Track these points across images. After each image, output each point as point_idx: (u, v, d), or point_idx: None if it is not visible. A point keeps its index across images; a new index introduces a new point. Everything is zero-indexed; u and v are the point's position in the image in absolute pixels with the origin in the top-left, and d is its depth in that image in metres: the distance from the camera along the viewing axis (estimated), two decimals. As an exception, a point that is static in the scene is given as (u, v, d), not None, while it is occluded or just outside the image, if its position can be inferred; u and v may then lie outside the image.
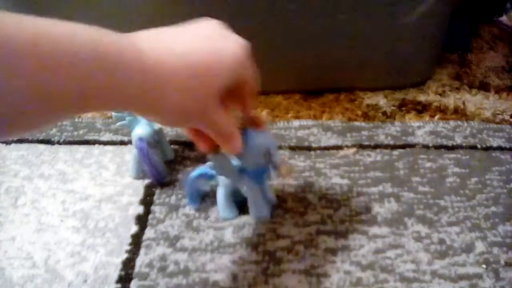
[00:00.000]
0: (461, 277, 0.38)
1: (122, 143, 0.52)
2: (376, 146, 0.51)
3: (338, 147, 0.51)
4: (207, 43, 0.29)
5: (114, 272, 0.38)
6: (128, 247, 0.41)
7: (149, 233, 0.42)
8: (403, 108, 0.58)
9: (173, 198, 0.45)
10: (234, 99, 0.34)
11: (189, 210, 0.44)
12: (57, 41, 0.23)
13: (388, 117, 0.56)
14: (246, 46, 0.32)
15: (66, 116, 0.27)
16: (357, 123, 0.54)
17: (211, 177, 0.42)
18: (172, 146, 0.50)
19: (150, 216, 0.43)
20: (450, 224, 0.42)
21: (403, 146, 0.51)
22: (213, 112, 0.31)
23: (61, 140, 0.52)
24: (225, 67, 0.29)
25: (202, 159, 0.49)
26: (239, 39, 0.32)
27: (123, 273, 0.38)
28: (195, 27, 0.31)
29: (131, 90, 0.25)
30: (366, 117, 0.56)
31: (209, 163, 0.41)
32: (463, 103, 0.58)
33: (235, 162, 0.39)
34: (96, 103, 0.25)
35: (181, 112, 0.29)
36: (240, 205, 0.43)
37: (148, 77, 0.26)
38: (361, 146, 0.51)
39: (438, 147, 0.51)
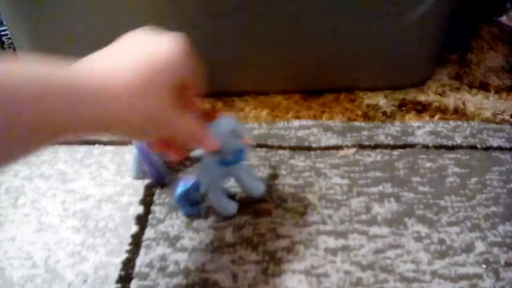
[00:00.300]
0: (461, 277, 0.38)
1: (122, 143, 0.52)
2: (376, 146, 0.51)
3: (338, 147, 0.51)
4: (139, 54, 0.30)
5: (114, 272, 0.38)
6: (128, 247, 0.41)
7: (149, 233, 0.42)
8: (403, 108, 0.58)
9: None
10: (182, 99, 0.33)
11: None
12: (19, 83, 0.24)
13: (388, 117, 0.56)
14: (181, 43, 0.31)
15: (39, 147, 0.28)
16: (357, 123, 0.54)
17: (196, 188, 0.41)
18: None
19: (150, 216, 0.43)
20: (450, 224, 0.42)
21: (403, 146, 0.51)
22: (174, 117, 0.31)
23: (61, 140, 0.52)
24: (162, 71, 0.30)
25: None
26: (172, 38, 0.31)
27: (123, 273, 0.38)
28: (126, 42, 0.32)
29: (91, 114, 0.27)
30: (366, 117, 0.56)
31: (188, 176, 0.41)
32: (463, 103, 0.58)
33: (211, 162, 0.39)
34: (61, 133, 0.27)
35: (143, 124, 0.30)
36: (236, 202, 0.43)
37: (101, 98, 0.27)
38: (361, 146, 0.51)
39: (438, 147, 0.51)
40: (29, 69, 0.25)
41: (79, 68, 0.29)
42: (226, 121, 0.38)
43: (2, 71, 0.24)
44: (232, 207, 0.43)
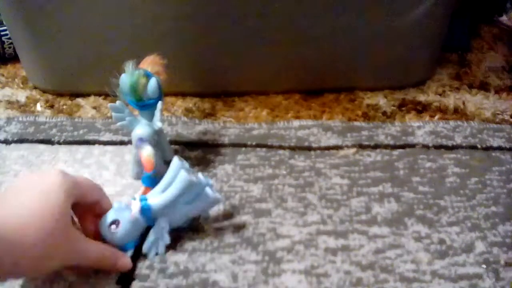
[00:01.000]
0: (461, 277, 0.38)
1: (122, 143, 0.52)
2: (376, 146, 0.51)
3: (338, 147, 0.51)
4: (30, 200, 0.32)
5: (115, 273, 0.38)
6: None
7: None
8: (403, 108, 0.58)
9: (173, 198, 0.45)
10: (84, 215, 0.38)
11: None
12: None
13: (388, 117, 0.56)
14: (58, 178, 0.34)
15: None
16: (357, 123, 0.54)
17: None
18: (172, 146, 0.50)
19: (150, 216, 0.43)
20: (450, 224, 0.42)
21: (403, 146, 0.51)
22: (79, 244, 0.34)
23: (61, 140, 0.52)
24: (54, 203, 0.32)
25: (201, 159, 0.50)
26: (49, 173, 0.35)
27: (123, 274, 0.38)
28: (14, 189, 0.34)
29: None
30: (366, 117, 0.56)
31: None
32: (463, 103, 0.58)
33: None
34: None
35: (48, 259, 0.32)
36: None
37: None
38: (361, 146, 0.51)
39: (438, 147, 0.51)
40: None
41: None
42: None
43: None
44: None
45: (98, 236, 0.38)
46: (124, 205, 0.38)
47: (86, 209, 0.38)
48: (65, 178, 0.34)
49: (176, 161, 0.40)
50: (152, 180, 0.41)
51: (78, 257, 0.34)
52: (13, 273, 0.31)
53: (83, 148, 0.51)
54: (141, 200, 0.38)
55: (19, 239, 0.30)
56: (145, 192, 0.40)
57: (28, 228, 0.30)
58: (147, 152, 0.42)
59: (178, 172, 0.38)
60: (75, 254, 0.34)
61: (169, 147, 0.49)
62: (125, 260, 0.38)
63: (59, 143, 0.52)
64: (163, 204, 0.38)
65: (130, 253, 0.39)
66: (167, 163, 0.48)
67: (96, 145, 0.52)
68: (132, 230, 0.38)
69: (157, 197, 0.39)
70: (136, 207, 0.38)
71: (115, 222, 0.37)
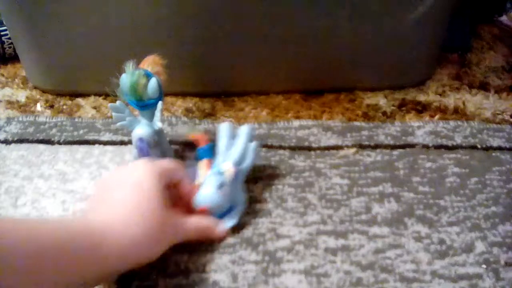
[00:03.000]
0: (461, 277, 0.38)
1: (122, 143, 0.52)
2: (376, 146, 0.51)
3: (338, 147, 0.51)
4: (127, 193, 0.34)
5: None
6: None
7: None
8: (403, 108, 0.58)
9: (173, 198, 0.45)
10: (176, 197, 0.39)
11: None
12: (41, 242, 0.28)
13: (388, 117, 0.56)
14: (146, 167, 0.36)
15: None
16: (357, 123, 0.54)
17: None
18: (172, 146, 0.50)
19: (150, 216, 0.43)
20: (450, 224, 0.42)
21: (403, 146, 0.51)
22: (179, 222, 0.36)
23: (61, 140, 0.52)
24: (149, 195, 0.34)
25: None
26: (141, 165, 0.36)
27: (123, 274, 0.38)
28: (109, 184, 0.37)
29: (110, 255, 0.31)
30: (366, 117, 0.56)
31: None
32: (463, 103, 0.58)
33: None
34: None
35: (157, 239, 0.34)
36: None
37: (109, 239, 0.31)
38: (361, 146, 0.51)
39: (438, 147, 0.51)
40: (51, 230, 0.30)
41: (91, 222, 0.33)
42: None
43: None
44: None
45: (189, 211, 0.40)
46: (217, 170, 0.41)
47: (171, 189, 0.39)
48: (152, 165, 0.36)
49: (245, 128, 0.44)
50: (211, 151, 0.44)
51: (181, 233, 0.36)
52: (119, 267, 0.33)
53: (83, 148, 0.51)
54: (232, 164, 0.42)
55: (126, 233, 0.31)
56: (207, 165, 0.43)
57: (132, 221, 0.32)
58: (192, 130, 0.47)
59: (249, 142, 0.43)
60: (178, 232, 0.36)
61: (169, 147, 0.49)
62: (222, 226, 0.40)
63: (59, 143, 0.52)
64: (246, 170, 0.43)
65: (232, 222, 0.41)
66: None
67: (96, 145, 0.52)
68: (234, 190, 0.41)
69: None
70: (231, 168, 0.41)
71: (222, 185, 0.39)
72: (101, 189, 0.36)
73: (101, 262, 0.31)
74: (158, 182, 0.35)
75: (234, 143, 0.44)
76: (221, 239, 0.40)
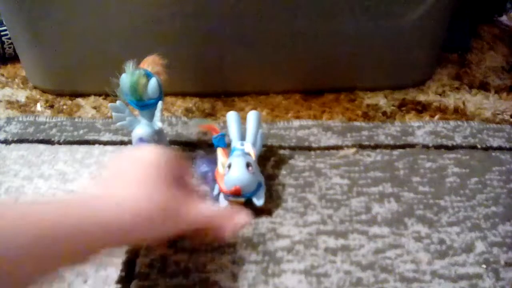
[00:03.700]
0: (461, 277, 0.38)
1: (122, 143, 0.52)
2: (376, 146, 0.51)
3: (338, 147, 0.51)
4: (138, 171, 0.34)
5: (115, 272, 0.38)
6: (128, 248, 0.41)
7: (149, 233, 0.42)
8: (403, 108, 0.58)
9: (173, 198, 0.45)
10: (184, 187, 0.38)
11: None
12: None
13: (388, 117, 0.56)
14: (153, 152, 0.36)
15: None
16: (357, 123, 0.54)
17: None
18: (172, 146, 0.50)
19: (150, 216, 0.43)
20: (450, 224, 0.42)
21: (403, 146, 0.51)
22: (191, 206, 0.35)
23: (61, 140, 0.52)
24: (159, 172, 0.34)
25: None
26: (148, 148, 0.36)
27: (123, 273, 0.38)
28: (119, 163, 0.36)
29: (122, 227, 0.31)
30: (366, 117, 0.56)
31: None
32: (463, 103, 0.58)
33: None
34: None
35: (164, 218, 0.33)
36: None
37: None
38: (361, 146, 0.51)
39: (438, 147, 0.51)
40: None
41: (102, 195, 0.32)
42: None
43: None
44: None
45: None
46: (240, 151, 0.42)
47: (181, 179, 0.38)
48: (158, 150, 0.36)
49: (253, 114, 0.46)
50: (224, 140, 0.45)
51: (193, 215, 0.35)
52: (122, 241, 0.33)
53: (83, 148, 0.51)
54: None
55: (133, 212, 0.31)
56: (224, 153, 0.44)
57: (139, 202, 0.32)
58: (202, 122, 0.50)
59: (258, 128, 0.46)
60: (189, 214, 0.34)
61: (169, 147, 0.49)
62: (244, 212, 0.37)
63: (59, 143, 0.52)
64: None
65: (261, 201, 0.42)
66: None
67: (96, 145, 0.52)
68: (256, 170, 0.42)
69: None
70: (252, 149, 0.43)
71: (249, 164, 0.41)
72: (109, 172, 0.36)
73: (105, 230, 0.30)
74: (163, 165, 0.35)
75: (246, 128, 0.46)
76: (245, 223, 0.37)
